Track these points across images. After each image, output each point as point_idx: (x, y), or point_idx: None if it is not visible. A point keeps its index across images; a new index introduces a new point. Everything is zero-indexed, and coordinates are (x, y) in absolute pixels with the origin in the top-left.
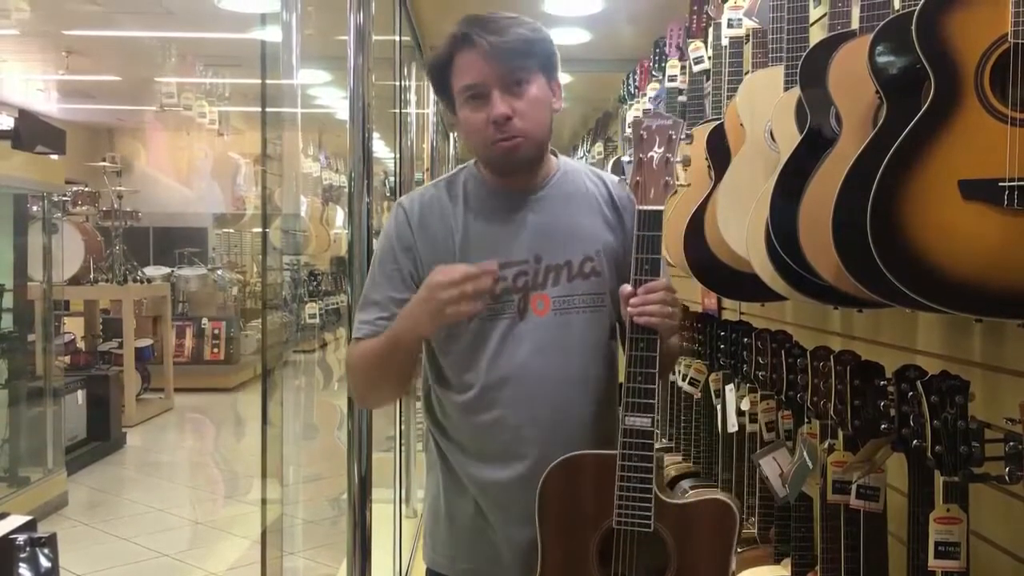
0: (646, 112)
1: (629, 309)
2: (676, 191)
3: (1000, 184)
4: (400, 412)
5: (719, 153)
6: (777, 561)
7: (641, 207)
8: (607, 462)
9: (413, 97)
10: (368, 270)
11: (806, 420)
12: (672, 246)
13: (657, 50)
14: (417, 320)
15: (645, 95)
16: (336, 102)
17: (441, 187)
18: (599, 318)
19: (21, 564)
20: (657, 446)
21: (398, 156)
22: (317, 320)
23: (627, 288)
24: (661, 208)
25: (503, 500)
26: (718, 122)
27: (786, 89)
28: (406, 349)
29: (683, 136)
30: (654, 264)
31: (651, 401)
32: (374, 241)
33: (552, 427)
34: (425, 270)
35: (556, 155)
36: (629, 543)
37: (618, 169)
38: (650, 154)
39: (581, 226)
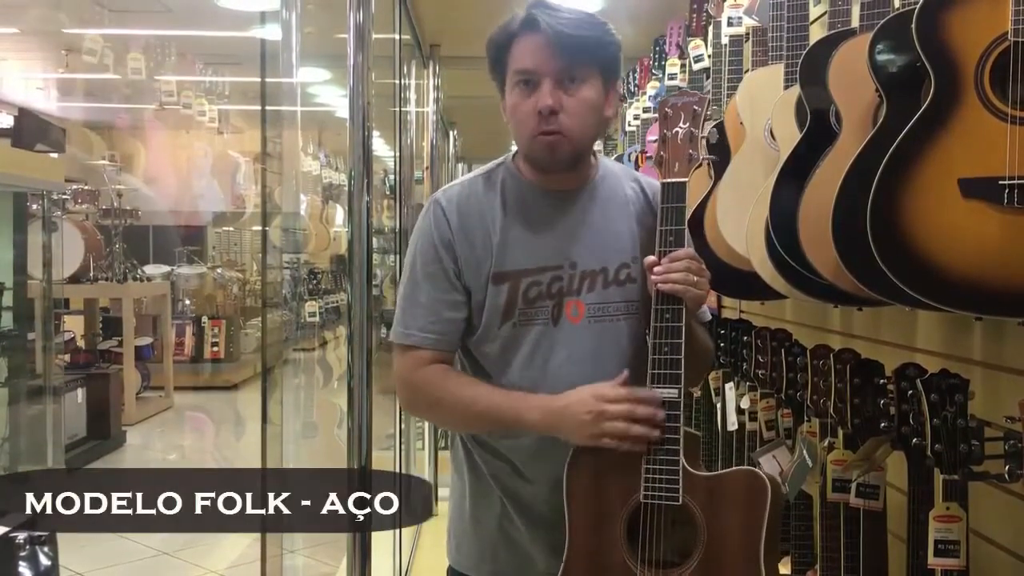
0: (671, 91)
1: (653, 277)
2: (701, 164)
3: (1000, 182)
4: (400, 411)
5: (719, 151)
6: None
7: (665, 180)
8: None
9: (413, 95)
10: (368, 268)
11: (806, 418)
12: None
13: (657, 48)
14: (564, 430)
15: (645, 93)
16: (336, 100)
17: (478, 183)
18: (634, 326)
19: (21, 562)
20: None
21: (398, 154)
22: (317, 318)
23: (651, 258)
24: (685, 180)
25: (532, 504)
26: (718, 121)
27: (786, 87)
28: (518, 428)
29: (708, 112)
30: (678, 235)
31: (678, 372)
32: (374, 240)
33: None
34: (465, 269)
35: (596, 157)
36: (657, 517)
37: None
38: (675, 130)
39: (618, 232)
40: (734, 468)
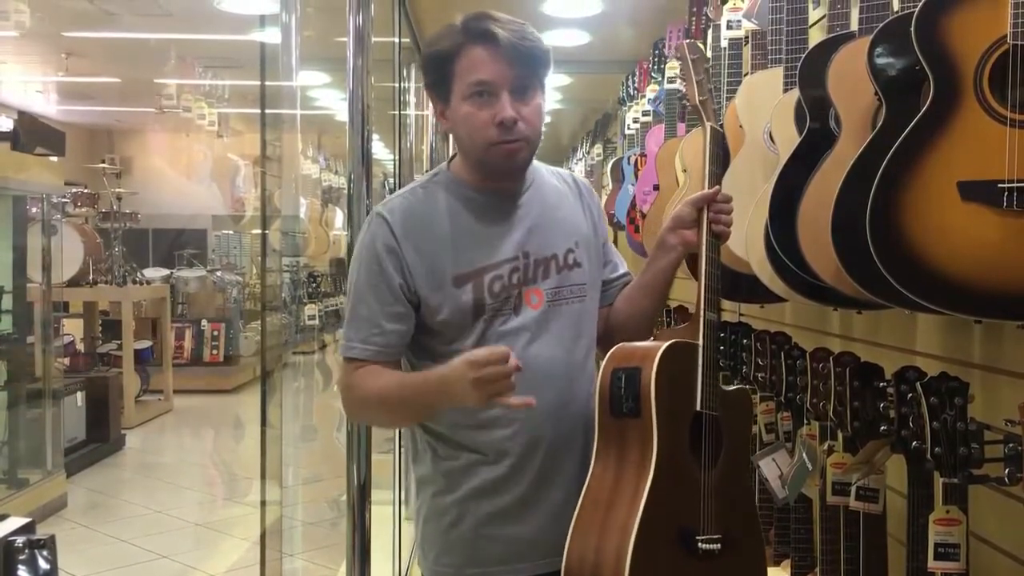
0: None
1: (722, 217)
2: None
3: (999, 185)
4: None
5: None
6: (777, 563)
7: (716, 127)
8: (692, 350)
9: (412, 99)
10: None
11: (805, 422)
12: None
13: (656, 51)
14: (463, 399)
15: (644, 96)
16: (335, 104)
17: (418, 193)
18: (586, 307)
19: (20, 566)
20: None
21: (397, 158)
22: (316, 322)
23: (708, 193)
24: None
25: (510, 471)
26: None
27: (785, 91)
28: (436, 410)
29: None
30: (720, 178)
31: (719, 298)
32: None
33: (558, 412)
34: (415, 279)
35: None
36: (710, 427)
37: (617, 171)
38: (700, 79)
39: (560, 220)
40: (734, 387)
